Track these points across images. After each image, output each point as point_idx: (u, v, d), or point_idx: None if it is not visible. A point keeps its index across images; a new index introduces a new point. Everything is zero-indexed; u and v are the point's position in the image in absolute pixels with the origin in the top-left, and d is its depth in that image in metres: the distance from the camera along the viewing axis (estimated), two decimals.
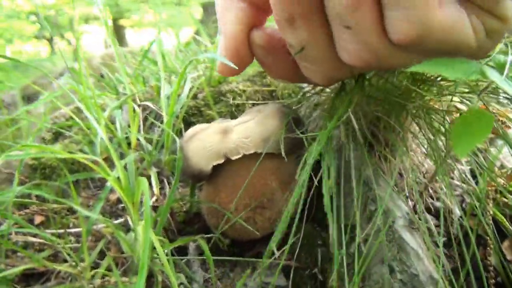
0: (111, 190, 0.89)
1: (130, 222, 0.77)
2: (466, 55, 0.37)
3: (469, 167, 0.86)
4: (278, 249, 0.74)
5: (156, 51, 1.32)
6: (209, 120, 1.02)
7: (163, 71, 1.03)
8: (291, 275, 0.71)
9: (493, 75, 0.42)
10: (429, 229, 0.73)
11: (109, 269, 0.67)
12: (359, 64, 0.38)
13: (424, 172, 0.83)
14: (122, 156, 0.92)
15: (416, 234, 0.57)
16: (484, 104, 0.70)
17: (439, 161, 0.66)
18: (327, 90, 0.85)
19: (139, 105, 1.01)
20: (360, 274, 0.62)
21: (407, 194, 0.76)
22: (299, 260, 0.73)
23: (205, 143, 0.73)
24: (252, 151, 0.72)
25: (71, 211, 0.87)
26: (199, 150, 0.73)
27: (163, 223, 0.74)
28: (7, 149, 0.77)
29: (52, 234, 0.73)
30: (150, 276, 0.68)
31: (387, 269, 0.56)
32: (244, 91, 1.04)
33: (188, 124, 1.02)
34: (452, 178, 0.81)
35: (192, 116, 1.03)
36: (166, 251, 0.68)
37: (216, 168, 0.73)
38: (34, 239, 0.75)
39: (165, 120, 0.91)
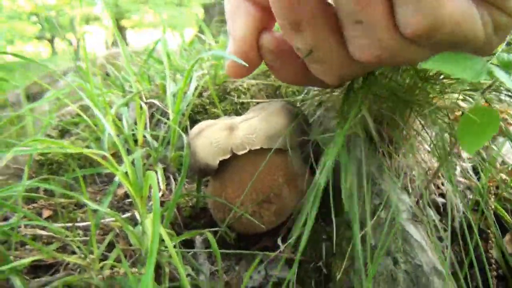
0: (119, 185, 0.90)
1: (138, 217, 0.78)
2: (473, 50, 0.38)
3: (471, 165, 0.87)
4: (283, 243, 0.75)
5: (159, 51, 1.34)
6: (214, 118, 1.03)
7: (169, 69, 1.04)
8: (296, 268, 0.72)
9: (500, 74, 0.43)
10: (432, 224, 0.74)
11: (117, 260, 0.68)
12: (370, 60, 0.38)
13: (427, 169, 0.84)
14: (129, 152, 0.93)
15: (420, 227, 0.58)
16: (486, 101, 0.72)
17: (442, 157, 0.67)
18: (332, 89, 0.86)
19: (145, 103, 1.02)
20: (371, 268, 0.63)
21: (411, 191, 0.77)
22: (304, 254, 0.74)
23: (212, 139, 0.74)
24: (257, 147, 0.73)
25: (79, 205, 0.88)
26: (206, 145, 0.74)
27: (170, 217, 0.75)
28: (12, 147, 0.79)
29: (58, 230, 0.74)
30: (158, 268, 0.70)
31: (391, 261, 0.57)
32: (248, 89, 1.05)
33: (193, 122, 1.03)
34: (455, 175, 0.83)
35: (198, 114, 1.05)
36: (173, 244, 0.69)
37: (223, 163, 0.75)
38: (42, 232, 0.76)
39: (171, 117, 0.92)
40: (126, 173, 0.73)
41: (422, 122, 0.78)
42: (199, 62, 1.16)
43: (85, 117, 0.90)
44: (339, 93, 0.83)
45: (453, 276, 0.58)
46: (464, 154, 0.86)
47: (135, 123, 0.98)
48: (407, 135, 0.79)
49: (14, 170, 0.91)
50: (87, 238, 0.76)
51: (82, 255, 0.68)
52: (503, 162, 0.81)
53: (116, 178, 0.76)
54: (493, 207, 0.68)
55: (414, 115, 0.77)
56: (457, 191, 0.74)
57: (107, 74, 1.30)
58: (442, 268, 0.53)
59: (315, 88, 0.91)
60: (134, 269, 0.63)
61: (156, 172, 0.87)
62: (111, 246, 0.74)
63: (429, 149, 0.84)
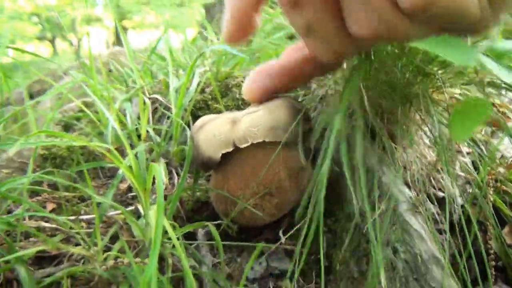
0: (122, 180, 0.91)
1: (141, 210, 0.79)
2: (468, 27, 0.39)
3: (471, 160, 0.88)
4: (284, 235, 0.76)
5: (161, 49, 1.35)
6: (217, 113, 1.04)
7: (171, 65, 1.05)
8: (297, 260, 0.73)
9: (489, 63, 0.44)
10: (430, 217, 0.75)
11: (121, 252, 0.69)
12: (369, 35, 0.39)
13: (427, 164, 0.85)
14: (132, 147, 0.94)
15: (419, 217, 0.59)
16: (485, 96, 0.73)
17: (441, 149, 0.68)
18: (332, 84, 0.87)
19: (148, 98, 1.03)
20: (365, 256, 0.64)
21: (410, 184, 0.78)
22: (304, 246, 0.75)
23: (215, 132, 0.75)
24: (260, 140, 0.74)
25: (82, 199, 0.89)
26: (209, 138, 0.75)
27: (173, 211, 0.76)
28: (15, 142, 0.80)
29: (63, 221, 0.75)
30: (161, 259, 0.71)
31: (391, 250, 0.58)
32: None
33: (195, 118, 1.04)
34: (454, 169, 0.84)
35: (200, 110, 1.06)
36: (176, 236, 0.70)
37: (225, 156, 0.76)
38: (46, 225, 0.77)
39: (173, 112, 0.93)
40: (130, 166, 0.74)
41: (422, 116, 0.79)
42: (201, 58, 1.17)
43: (88, 111, 0.92)
44: (340, 87, 0.84)
45: (452, 267, 0.59)
46: (464, 149, 0.87)
47: (138, 118, 0.99)
48: (407, 130, 0.80)
49: (19, 164, 0.92)
50: (91, 230, 0.77)
51: (86, 247, 0.69)
52: (503, 157, 0.82)
53: (120, 171, 0.77)
54: (492, 199, 0.69)
55: (413, 109, 0.78)
56: (456, 184, 0.75)
57: (110, 71, 1.31)
58: (440, 257, 0.54)
59: (316, 84, 0.92)
60: (138, 259, 0.64)
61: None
62: (114, 239, 0.75)
63: (429, 143, 0.85)
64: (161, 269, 0.70)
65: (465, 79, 0.70)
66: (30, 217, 0.79)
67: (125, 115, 0.95)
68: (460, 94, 0.74)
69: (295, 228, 0.76)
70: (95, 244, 0.70)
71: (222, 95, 1.07)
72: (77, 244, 0.73)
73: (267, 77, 0.69)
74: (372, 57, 0.74)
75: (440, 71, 0.75)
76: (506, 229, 0.70)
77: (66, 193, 0.87)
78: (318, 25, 0.42)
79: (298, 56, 0.63)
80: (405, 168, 0.82)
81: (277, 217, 0.77)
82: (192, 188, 0.85)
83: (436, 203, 0.81)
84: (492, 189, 0.71)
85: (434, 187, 0.83)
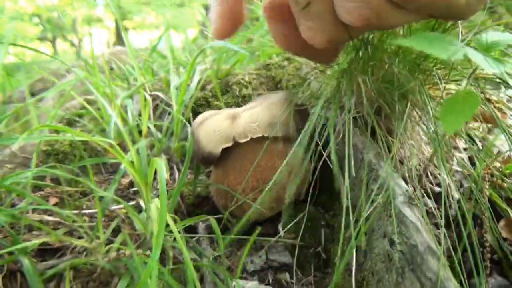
0: (123, 175, 0.92)
1: (142, 204, 0.80)
2: (455, 14, 0.40)
3: (468, 156, 0.89)
4: (283, 230, 0.78)
5: (162, 48, 1.37)
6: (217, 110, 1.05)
7: (172, 63, 1.06)
8: (296, 253, 0.74)
9: (474, 56, 0.45)
10: (428, 211, 0.76)
11: (123, 244, 0.70)
12: (358, 23, 0.40)
13: (424, 159, 0.86)
14: (133, 143, 0.96)
15: (415, 209, 0.60)
16: (482, 92, 0.74)
17: (437, 144, 0.69)
18: (331, 81, 0.88)
19: (149, 95, 1.04)
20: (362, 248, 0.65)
21: (408, 179, 0.79)
22: (303, 239, 0.76)
23: (215, 127, 0.77)
24: (259, 135, 0.75)
25: (84, 194, 0.90)
26: (209, 134, 0.76)
27: (174, 205, 0.77)
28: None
29: (67, 215, 0.76)
30: (162, 252, 0.72)
31: (388, 242, 0.59)
32: (250, 82, 1.07)
33: (196, 114, 1.05)
34: (451, 165, 0.85)
35: (200, 107, 1.07)
36: (177, 229, 0.71)
37: (225, 151, 0.77)
38: (49, 218, 0.78)
39: (174, 108, 0.95)
40: (132, 162, 0.75)
41: (419, 112, 0.80)
42: (202, 56, 1.18)
43: (90, 108, 0.93)
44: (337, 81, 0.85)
45: (449, 260, 0.60)
46: (461, 145, 0.88)
47: (140, 115, 1.00)
48: (405, 125, 0.81)
49: (22, 159, 0.94)
50: (93, 224, 0.79)
51: (89, 239, 0.70)
52: (499, 152, 0.83)
53: (122, 166, 0.78)
54: (488, 194, 0.70)
55: (410, 105, 0.79)
56: (453, 179, 0.76)
57: (112, 69, 1.32)
58: (436, 248, 0.55)
59: (315, 81, 0.93)
60: (140, 251, 0.65)
61: None
62: (116, 233, 0.76)
63: (426, 139, 0.86)
64: (162, 262, 0.71)
65: (459, 75, 0.72)
66: (34, 211, 0.80)
67: (126, 112, 0.97)
68: (455, 90, 0.75)
69: (293, 222, 0.78)
70: (98, 237, 0.71)
71: (222, 93, 1.08)
72: (79, 237, 0.74)
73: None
74: (370, 54, 0.76)
75: (435, 68, 0.76)
76: (501, 223, 0.71)
77: (69, 188, 0.88)
78: (315, 2, 0.42)
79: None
80: (402, 163, 0.83)
81: (276, 211, 0.78)
82: (192, 183, 0.86)
83: (433, 198, 0.82)
84: (488, 183, 0.72)
85: (431, 182, 0.84)
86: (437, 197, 0.82)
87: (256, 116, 0.76)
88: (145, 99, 0.99)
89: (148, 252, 0.66)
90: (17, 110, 1.19)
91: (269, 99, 0.81)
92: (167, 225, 0.68)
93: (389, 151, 0.80)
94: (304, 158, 0.82)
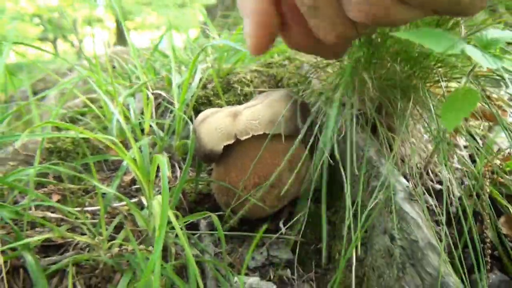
0: (126, 172, 0.93)
1: (144, 201, 0.81)
2: (460, 10, 0.40)
3: (468, 153, 0.90)
4: (285, 226, 0.78)
5: (164, 48, 1.37)
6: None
7: (174, 62, 1.07)
8: (297, 250, 0.74)
9: (471, 51, 0.46)
10: (429, 208, 0.76)
11: (125, 241, 0.70)
12: (365, 19, 0.41)
13: (425, 157, 0.87)
14: (135, 141, 0.96)
15: (416, 205, 0.61)
16: (482, 89, 0.74)
17: (438, 142, 0.70)
18: (332, 79, 0.89)
19: (152, 93, 1.05)
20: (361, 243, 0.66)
21: (408, 177, 0.80)
22: (304, 236, 0.77)
23: (216, 124, 0.77)
24: (260, 132, 0.76)
25: (87, 191, 0.91)
26: (211, 131, 0.77)
27: (176, 202, 0.78)
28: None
29: (69, 212, 0.77)
30: (164, 249, 0.72)
31: (388, 238, 0.60)
32: (251, 81, 1.08)
33: (197, 113, 1.06)
34: (452, 163, 0.85)
35: (202, 105, 1.08)
36: (179, 226, 0.72)
37: (227, 149, 0.77)
38: (52, 215, 0.78)
39: (176, 107, 0.95)
40: (134, 159, 0.75)
41: (420, 110, 0.80)
42: (203, 55, 1.19)
43: (93, 106, 0.93)
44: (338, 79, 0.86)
45: (450, 256, 0.60)
46: (461, 142, 0.88)
47: (142, 113, 1.01)
48: (406, 123, 0.81)
49: (24, 157, 0.94)
50: (96, 221, 0.79)
51: (92, 236, 0.71)
52: (499, 149, 0.84)
53: (124, 163, 0.79)
54: (488, 191, 0.71)
55: (412, 103, 0.80)
56: (454, 177, 0.77)
57: (114, 67, 1.33)
58: (436, 243, 0.55)
59: (316, 79, 0.94)
60: (142, 246, 0.66)
61: None
62: (118, 229, 0.76)
63: (427, 137, 0.86)
64: (164, 258, 0.71)
65: (459, 73, 0.72)
66: (36, 208, 0.81)
67: (129, 110, 0.97)
68: (455, 88, 0.76)
69: (295, 219, 0.78)
70: (100, 234, 0.72)
71: (224, 91, 1.09)
72: (82, 234, 0.75)
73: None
74: (372, 52, 0.76)
75: (436, 66, 0.77)
76: (502, 219, 0.71)
77: (71, 185, 0.88)
78: (323, 9, 0.43)
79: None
80: (403, 161, 0.83)
81: (277, 208, 0.79)
82: (194, 180, 0.87)
83: (434, 195, 0.82)
84: (488, 180, 0.73)
85: (432, 180, 0.85)
86: (437, 194, 0.82)
87: (257, 113, 0.77)
88: (148, 98, 0.99)
89: (150, 248, 0.67)
90: (19, 109, 1.20)
91: (270, 96, 0.81)
92: (169, 222, 0.68)
93: (390, 148, 0.80)
94: (305, 155, 0.83)
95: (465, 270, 0.60)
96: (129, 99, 0.99)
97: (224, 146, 0.77)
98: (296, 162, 0.79)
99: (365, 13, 0.40)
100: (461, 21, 0.68)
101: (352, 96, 0.80)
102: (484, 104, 0.73)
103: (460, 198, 0.77)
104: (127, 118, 0.96)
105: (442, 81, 0.75)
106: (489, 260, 0.65)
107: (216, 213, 0.78)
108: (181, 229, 0.72)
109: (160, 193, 0.72)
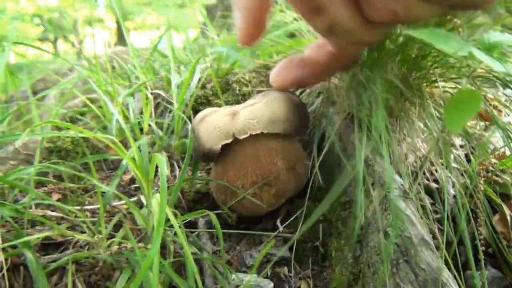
0: (125, 171, 0.94)
1: (144, 200, 0.82)
2: (476, 2, 0.42)
3: (464, 152, 0.90)
4: (282, 224, 0.79)
5: (163, 48, 1.38)
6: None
7: (173, 62, 1.08)
8: (294, 248, 0.75)
9: (479, 54, 0.47)
10: (424, 207, 0.77)
11: (125, 239, 0.71)
12: (387, 17, 0.42)
13: (421, 156, 0.87)
14: (135, 140, 0.97)
15: (410, 202, 0.62)
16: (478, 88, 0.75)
17: (433, 140, 0.71)
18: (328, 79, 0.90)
19: (151, 93, 1.06)
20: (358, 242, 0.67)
21: (404, 176, 0.81)
22: (301, 234, 0.78)
23: (215, 124, 0.78)
24: (258, 132, 0.76)
25: (86, 190, 0.92)
26: (209, 130, 0.78)
27: (175, 201, 0.78)
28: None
29: (69, 210, 0.78)
30: (162, 247, 0.73)
31: (383, 235, 0.61)
32: (250, 81, 1.09)
33: (196, 112, 1.07)
34: (448, 161, 0.86)
35: (201, 105, 1.09)
36: (177, 224, 0.73)
37: (225, 148, 0.78)
38: (52, 213, 0.79)
39: (175, 106, 0.96)
40: (133, 158, 0.76)
41: (417, 110, 0.81)
42: (202, 55, 1.20)
43: (92, 106, 0.94)
44: (338, 84, 0.87)
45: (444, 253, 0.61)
46: (457, 142, 0.89)
47: (141, 113, 1.02)
48: (403, 123, 0.82)
49: (25, 156, 0.95)
50: (95, 219, 0.80)
51: (91, 234, 0.72)
52: (495, 149, 0.85)
53: (124, 162, 0.80)
54: (483, 189, 0.72)
55: (408, 103, 0.81)
56: (449, 175, 0.78)
57: (113, 68, 1.34)
58: (430, 240, 0.56)
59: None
60: (141, 244, 0.67)
61: None
62: (117, 228, 0.77)
63: (423, 136, 0.87)
64: (163, 256, 0.72)
65: (455, 73, 0.73)
66: (37, 206, 0.82)
67: (128, 110, 0.98)
68: (452, 88, 0.77)
69: (292, 217, 0.79)
70: (100, 232, 0.73)
71: (222, 91, 1.09)
72: (82, 232, 0.76)
73: (298, 67, 0.71)
74: (370, 52, 0.77)
75: (433, 66, 0.77)
76: (496, 217, 0.72)
77: (71, 184, 0.89)
78: (338, 23, 0.45)
79: (324, 51, 0.66)
80: (399, 160, 0.84)
81: (275, 206, 0.80)
82: (192, 179, 0.88)
83: (429, 194, 0.83)
84: (483, 179, 0.73)
85: (427, 179, 0.85)
86: (433, 193, 0.83)
87: (255, 113, 0.77)
88: (147, 97, 1.00)
89: (149, 246, 0.68)
90: (19, 108, 1.21)
91: (269, 96, 0.82)
92: (168, 220, 0.69)
93: (387, 147, 0.81)
94: (302, 154, 0.84)
95: (460, 267, 0.61)
96: (129, 99, 1.00)
97: (223, 145, 0.78)
98: (293, 161, 0.80)
99: (388, 12, 0.42)
100: (461, 23, 0.69)
101: (349, 95, 0.81)
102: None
103: (455, 197, 0.78)
104: (126, 118, 0.97)
105: (438, 81, 0.76)
106: (483, 257, 0.66)
107: (215, 212, 0.79)
108: (180, 227, 0.73)
109: (159, 192, 0.73)
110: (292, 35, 1.18)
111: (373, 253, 0.61)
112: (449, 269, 0.57)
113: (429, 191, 0.83)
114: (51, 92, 0.98)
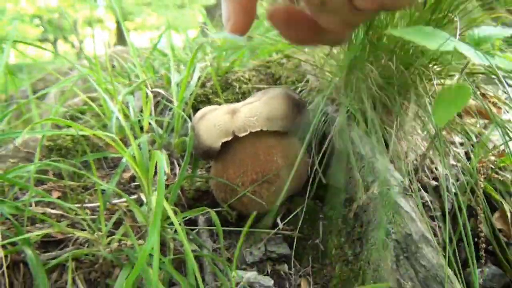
0: (124, 169, 0.94)
1: (143, 198, 0.82)
2: None
3: (464, 150, 0.91)
4: (282, 222, 0.79)
5: (163, 47, 1.38)
6: None
7: (173, 60, 1.08)
8: (294, 245, 0.75)
9: (463, 48, 0.47)
10: (424, 204, 0.77)
11: (124, 235, 0.71)
12: (372, 6, 0.42)
13: (421, 154, 0.88)
14: (135, 138, 0.97)
15: (410, 199, 0.62)
16: (476, 87, 0.75)
17: (431, 137, 0.71)
18: (329, 77, 0.90)
19: (151, 91, 1.06)
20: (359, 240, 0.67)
21: (404, 173, 0.81)
22: (302, 232, 0.78)
23: (215, 121, 0.78)
24: (258, 129, 0.76)
25: (86, 188, 0.92)
26: (209, 128, 0.78)
27: (175, 198, 0.78)
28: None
29: (69, 208, 0.78)
30: (162, 244, 0.73)
31: (383, 232, 0.61)
32: (249, 79, 1.09)
33: (196, 111, 1.07)
34: (448, 159, 0.86)
35: (201, 103, 1.09)
36: (178, 221, 0.72)
37: (225, 146, 0.78)
38: (52, 211, 0.79)
39: (175, 105, 0.96)
40: (133, 156, 0.76)
41: (416, 107, 0.81)
42: (202, 54, 1.20)
43: (92, 104, 0.94)
44: (338, 81, 0.87)
45: (445, 251, 0.61)
46: (457, 139, 0.89)
47: (141, 111, 1.02)
48: (402, 120, 0.82)
49: (25, 154, 0.95)
50: (95, 217, 0.80)
51: (91, 231, 0.72)
52: (495, 147, 0.85)
53: (124, 160, 0.79)
54: (482, 186, 0.72)
55: (407, 100, 0.81)
56: (449, 173, 0.78)
57: (113, 66, 1.34)
58: (430, 236, 0.56)
59: (314, 77, 0.95)
60: (141, 241, 0.67)
61: None
62: (117, 225, 0.77)
63: (422, 134, 0.87)
64: (163, 253, 0.72)
65: (454, 70, 0.73)
66: (37, 204, 0.82)
67: (128, 108, 0.98)
68: (449, 85, 0.77)
69: (292, 215, 0.79)
70: (99, 229, 0.73)
71: (222, 89, 1.09)
72: (82, 229, 0.76)
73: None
74: (368, 51, 0.77)
75: (431, 64, 0.78)
76: (496, 215, 0.72)
77: (71, 182, 0.89)
78: (330, 3, 0.45)
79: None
80: (399, 157, 0.84)
81: (275, 204, 0.79)
82: (191, 176, 0.88)
83: (429, 191, 0.83)
84: (483, 176, 0.73)
85: (427, 176, 0.85)
86: (433, 190, 0.83)
87: (255, 110, 0.77)
88: (147, 96, 1.00)
89: None
90: (19, 107, 1.21)
91: (268, 94, 0.82)
92: (168, 218, 0.69)
93: (386, 145, 0.81)
94: (302, 152, 0.84)
95: (460, 264, 0.61)
96: (129, 97, 1.00)
97: (222, 143, 0.78)
98: (293, 159, 0.80)
99: (371, 1, 0.42)
100: (456, 18, 0.69)
101: (349, 93, 0.81)
102: (478, 100, 0.74)
103: (455, 194, 0.78)
104: (126, 116, 0.97)
105: (436, 78, 0.76)
106: (483, 254, 0.66)
107: (215, 209, 0.79)
108: (180, 224, 0.73)
109: None
110: None
111: (373, 250, 0.61)
112: (450, 266, 0.57)
113: (429, 189, 0.83)
114: (52, 90, 0.98)
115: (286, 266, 0.73)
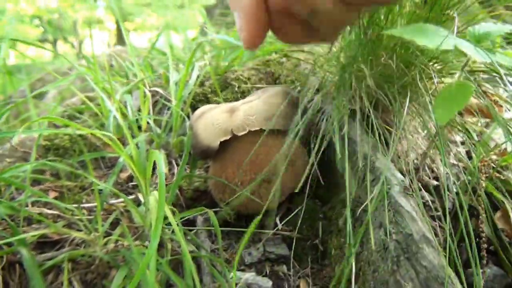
0: (122, 169, 0.93)
1: (141, 198, 0.81)
2: None
3: (465, 149, 0.90)
4: (281, 222, 0.78)
5: (162, 46, 1.37)
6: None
7: (171, 59, 1.07)
8: (293, 246, 0.75)
9: (463, 45, 0.46)
10: (425, 203, 0.76)
11: (121, 236, 0.70)
12: (365, 2, 0.41)
13: (421, 153, 0.87)
14: (133, 138, 0.96)
15: (411, 199, 0.61)
16: (478, 85, 0.75)
17: (432, 136, 0.70)
18: (329, 75, 0.89)
19: (149, 91, 1.05)
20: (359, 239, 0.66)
21: (404, 172, 0.80)
22: (301, 232, 0.77)
23: (214, 120, 0.77)
24: (257, 128, 0.76)
25: (83, 188, 0.91)
26: (208, 127, 0.77)
27: (173, 198, 0.77)
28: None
29: (66, 208, 0.77)
30: (160, 245, 0.72)
31: (383, 232, 0.60)
32: (249, 78, 1.08)
33: (195, 110, 1.06)
34: (449, 158, 0.85)
35: (199, 102, 1.08)
36: (175, 221, 0.72)
37: (223, 144, 0.77)
38: (49, 211, 0.79)
39: (174, 104, 0.95)
40: (131, 156, 0.75)
41: (416, 106, 0.80)
42: (201, 53, 1.19)
43: (90, 103, 0.93)
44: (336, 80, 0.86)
45: (445, 251, 0.60)
46: (458, 138, 0.88)
47: (139, 111, 1.01)
48: (402, 119, 0.81)
49: (22, 154, 0.94)
50: (92, 217, 0.79)
51: (88, 232, 0.71)
52: (496, 145, 0.84)
53: (121, 159, 0.79)
54: (484, 186, 0.71)
55: (407, 99, 0.80)
56: (450, 172, 0.77)
57: (111, 66, 1.33)
58: (431, 237, 0.55)
59: (313, 76, 0.94)
60: (138, 242, 0.66)
61: None
62: (114, 226, 0.76)
63: (423, 133, 0.86)
64: (160, 254, 0.71)
65: (455, 68, 0.72)
66: (33, 204, 0.81)
67: (126, 107, 0.97)
68: (450, 83, 0.76)
69: (291, 215, 0.78)
70: (96, 230, 0.72)
71: (221, 88, 1.09)
72: (78, 230, 0.75)
73: None
74: (368, 50, 0.76)
75: (431, 63, 0.77)
76: (498, 214, 0.71)
77: (68, 182, 0.88)
78: (319, 9, 0.43)
79: None
80: (399, 157, 0.83)
81: (274, 203, 0.79)
82: (190, 176, 0.87)
83: (430, 191, 0.82)
84: (484, 175, 0.72)
85: (428, 176, 0.85)
86: (434, 190, 0.82)
87: (254, 109, 0.77)
88: (145, 95, 0.99)
89: (146, 243, 0.67)
90: (16, 105, 1.20)
91: (267, 92, 0.81)
92: (166, 218, 0.68)
93: (386, 144, 0.81)
94: (301, 151, 0.83)
95: (461, 264, 0.60)
96: (126, 97, 0.99)
97: (221, 142, 0.77)
98: (292, 158, 0.79)
99: None
100: (455, 15, 0.68)
101: (349, 92, 0.80)
102: (477, 97, 0.73)
103: (456, 194, 0.77)
104: (124, 115, 0.96)
105: (436, 77, 0.75)
106: (485, 254, 0.65)
107: (213, 209, 0.78)
108: (178, 225, 0.72)
109: (157, 189, 0.72)
110: None
111: (374, 250, 0.60)
112: (451, 266, 0.56)
113: (430, 188, 0.82)
114: (49, 89, 0.97)
115: (285, 267, 0.72)
